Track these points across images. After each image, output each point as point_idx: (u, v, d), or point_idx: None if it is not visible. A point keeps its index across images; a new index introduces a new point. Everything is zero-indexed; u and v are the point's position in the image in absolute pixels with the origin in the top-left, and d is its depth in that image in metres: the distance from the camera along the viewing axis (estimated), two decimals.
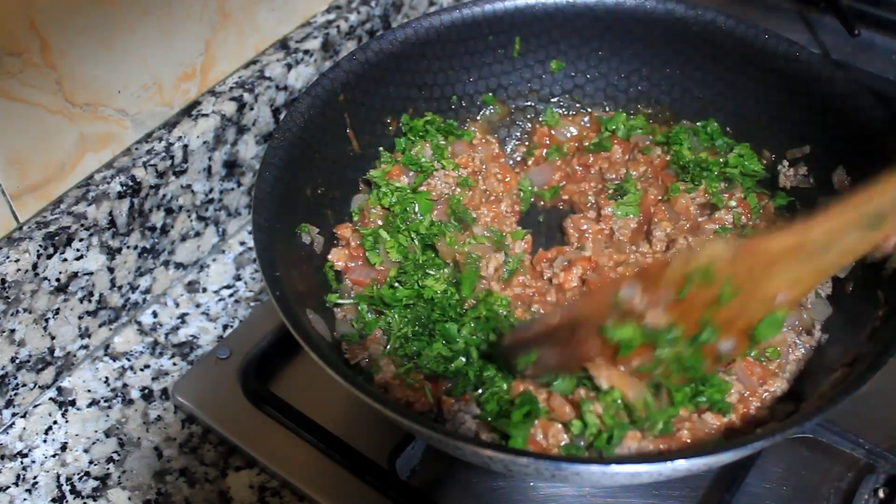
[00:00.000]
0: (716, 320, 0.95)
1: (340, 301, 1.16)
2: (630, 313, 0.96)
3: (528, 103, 1.37)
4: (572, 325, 1.01)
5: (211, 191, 1.37)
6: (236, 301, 1.36)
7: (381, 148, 1.27)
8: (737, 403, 1.05)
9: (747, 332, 0.96)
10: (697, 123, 1.30)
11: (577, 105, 1.37)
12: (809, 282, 0.95)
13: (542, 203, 1.34)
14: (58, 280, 1.19)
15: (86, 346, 1.28)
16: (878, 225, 0.88)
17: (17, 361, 1.19)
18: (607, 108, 1.36)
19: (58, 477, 1.17)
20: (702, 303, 0.94)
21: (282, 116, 1.41)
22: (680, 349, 0.96)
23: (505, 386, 1.05)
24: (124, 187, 1.23)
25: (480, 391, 1.06)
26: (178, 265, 1.37)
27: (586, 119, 1.37)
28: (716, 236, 1.21)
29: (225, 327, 1.33)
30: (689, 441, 1.00)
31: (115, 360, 1.29)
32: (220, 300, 1.37)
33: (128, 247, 1.27)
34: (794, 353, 1.11)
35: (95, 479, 1.17)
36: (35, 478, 1.17)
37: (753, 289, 0.93)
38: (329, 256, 1.19)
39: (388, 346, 1.11)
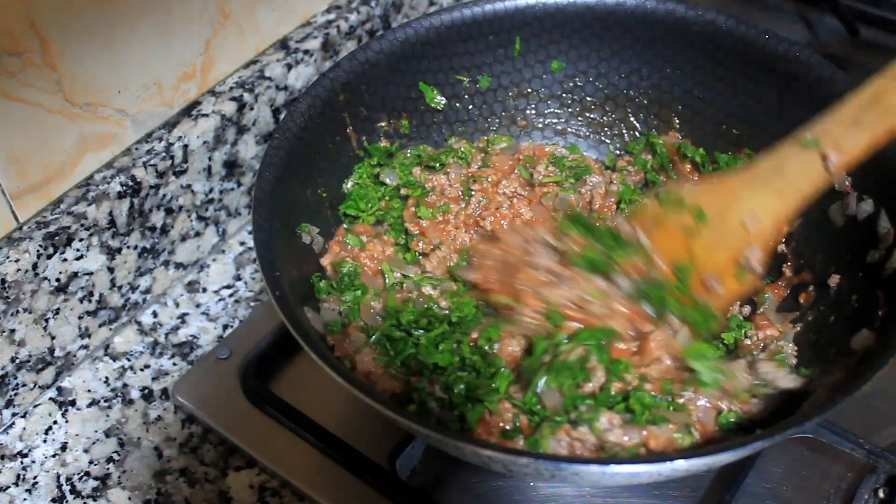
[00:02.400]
0: (695, 248, 1.08)
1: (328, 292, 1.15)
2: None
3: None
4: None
5: (211, 191, 1.37)
6: (236, 301, 1.36)
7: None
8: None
9: (732, 272, 1.09)
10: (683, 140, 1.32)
11: (578, 105, 1.37)
12: (773, 206, 1.07)
13: None
14: (58, 280, 1.19)
15: (86, 346, 1.28)
16: (814, 144, 1.05)
17: (17, 361, 1.19)
18: (608, 109, 1.36)
19: (58, 477, 1.17)
20: (678, 231, 1.09)
21: (282, 116, 1.41)
22: (670, 282, 1.07)
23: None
24: (124, 187, 1.23)
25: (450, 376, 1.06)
26: (178, 265, 1.37)
27: None
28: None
29: (225, 327, 1.33)
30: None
31: (115, 360, 1.29)
32: (220, 300, 1.37)
33: (128, 247, 1.27)
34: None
35: (95, 479, 1.17)
36: (35, 478, 1.17)
37: (722, 216, 1.08)
38: (322, 261, 1.17)
39: (372, 338, 1.09)
